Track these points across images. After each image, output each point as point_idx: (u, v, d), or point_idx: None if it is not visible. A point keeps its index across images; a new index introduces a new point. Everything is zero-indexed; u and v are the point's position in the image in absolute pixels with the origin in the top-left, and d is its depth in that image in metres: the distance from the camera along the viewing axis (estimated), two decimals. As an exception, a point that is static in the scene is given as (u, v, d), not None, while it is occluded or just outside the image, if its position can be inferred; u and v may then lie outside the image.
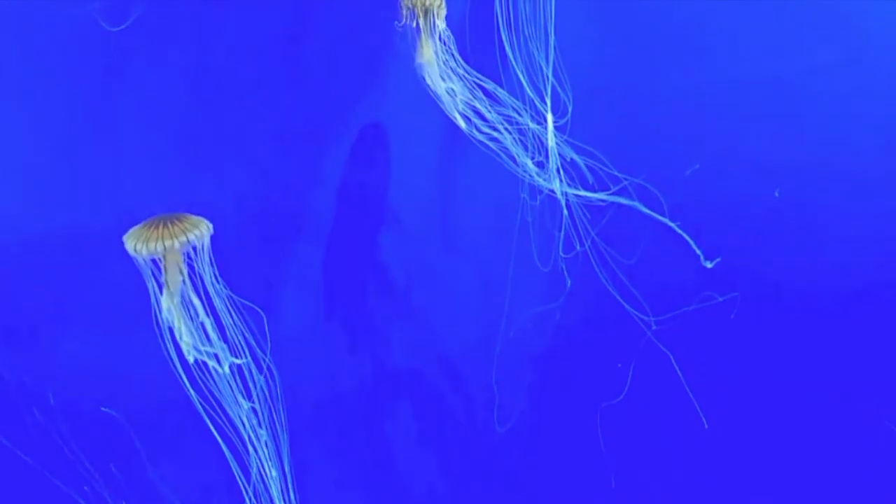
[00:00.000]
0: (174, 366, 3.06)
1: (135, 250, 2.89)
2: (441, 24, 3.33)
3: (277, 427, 3.16)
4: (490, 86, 3.37)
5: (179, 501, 3.55)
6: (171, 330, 2.98)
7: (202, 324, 2.98)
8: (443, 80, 3.34)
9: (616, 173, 3.43)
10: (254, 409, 3.05)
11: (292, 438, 3.26)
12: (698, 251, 3.45)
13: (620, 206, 3.44)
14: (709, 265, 3.46)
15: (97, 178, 3.49)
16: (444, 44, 3.36)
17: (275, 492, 3.14)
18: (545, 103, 3.37)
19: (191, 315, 3.01)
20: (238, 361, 3.02)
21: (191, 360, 2.97)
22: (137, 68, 3.50)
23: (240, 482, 3.17)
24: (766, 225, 3.62)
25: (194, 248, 2.96)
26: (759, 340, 3.62)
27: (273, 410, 3.15)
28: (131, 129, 3.51)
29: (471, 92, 3.36)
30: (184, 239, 2.90)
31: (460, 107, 3.35)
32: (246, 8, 3.50)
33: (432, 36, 3.33)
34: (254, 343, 3.11)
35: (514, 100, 3.38)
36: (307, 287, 3.64)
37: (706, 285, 3.53)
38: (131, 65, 3.50)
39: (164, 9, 3.47)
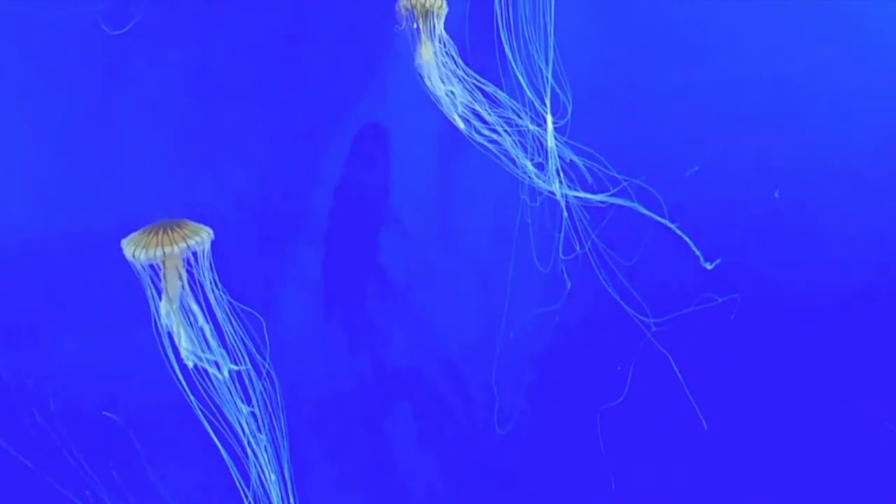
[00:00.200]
0: (174, 369, 3.06)
1: (133, 256, 2.89)
2: (439, 27, 3.33)
3: (277, 432, 3.15)
4: (490, 88, 3.37)
5: None
6: (170, 334, 2.97)
7: (201, 329, 2.98)
8: (442, 81, 3.33)
9: (616, 175, 3.42)
10: (253, 414, 3.05)
11: (292, 439, 3.26)
12: (698, 252, 3.45)
13: (620, 207, 3.43)
14: (709, 266, 3.46)
15: (97, 178, 3.50)
16: (444, 45, 3.35)
17: (274, 495, 3.14)
18: (545, 105, 3.36)
19: (190, 321, 3.01)
20: (237, 368, 3.02)
21: (190, 365, 2.97)
22: (137, 68, 3.50)
23: (239, 487, 3.17)
24: (766, 226, 3.62)
25: (194, 254, 2.96)
26: (758, 342, 3.62)
27: (273, 415, 3.15)
28: (131, 130, 3.52)
29: (470, 94, 3.36)
30: (183, 245, 2.89)
31: (460, 108, 3.34)
32: (246, 9, 3.50)
33: (432, 37, 3.33)
34: (253, 349, 3.11)
35: (514, 101, 3.37)
36: (307, 287, 3.64)
37: (706, 286, 3.53)
38: (131, 65, 3.50)
39: (164, 10, 3.46)
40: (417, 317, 3.67)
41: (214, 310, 3.06)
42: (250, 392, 3.11)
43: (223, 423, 3.10)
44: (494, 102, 3.37)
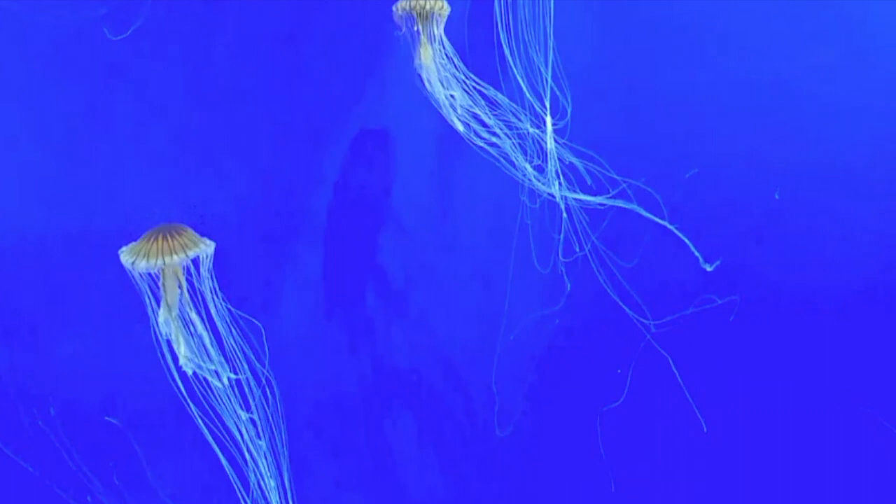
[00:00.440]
0: (173, 374, 3.06)
1: (133, 265, 2.88)
2: (440, 29, 3.32)
3: (277, 439, 3.16)
4: (490, 92, 3.37)
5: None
6: (168, 341, 2.98)
7: (200, 337, 2.98)
8: (442, 84, 3.33)
9: (615, 176, 3.42)
10: (252, 420, 3.05)
11: (292, 440, 3.26)
12: (697, 254, 3.45)
13: (620, 208, 3.43)
14: (708, 268, 3.45)
15: (98, 179, 3.50)
16: (443, 48, 3.35)
17: (274, 500, 3.15)
18: (544, 107, 3.36)
19: (189, 328, 3.01)
20: (235, 377, 3.02)
21: (189, 372, 2.97)
22: (137, 70, 3.50)
23: (239, 492, 3.18)
24: (766, 228, 3.62)
25: (194, 262, 2.96)
26: (758, 343, 3.62)
27: (272, 421, 3.15)
28: (132, 131, 3.52)
29: (470, 96, 3.35)
30: (183, 255, 2.89)
31: (459, 111, 3.34)
32: (246, 11, 3.49)
33: (431, 40, 3.32)
34: (252, 357, 3.11)
35: (514, 104, 3.37)
36: (307, 288, 3.64)
37: (705, 288, 3.53)
38: (131, 66, 3.50)
39: (165, 12, 3.46)
40: (417, 318, 3.68)
41: (214, 318, 3.06)
42: (249, 399, 3.11)
43: (223, 430, 3.10)
44: (494, 105, 3.37)
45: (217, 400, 3.03)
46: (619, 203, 3.43)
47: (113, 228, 3.45)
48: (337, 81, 3.59)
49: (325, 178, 3.61)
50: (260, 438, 3.06)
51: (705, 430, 3.55)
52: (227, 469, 3.11)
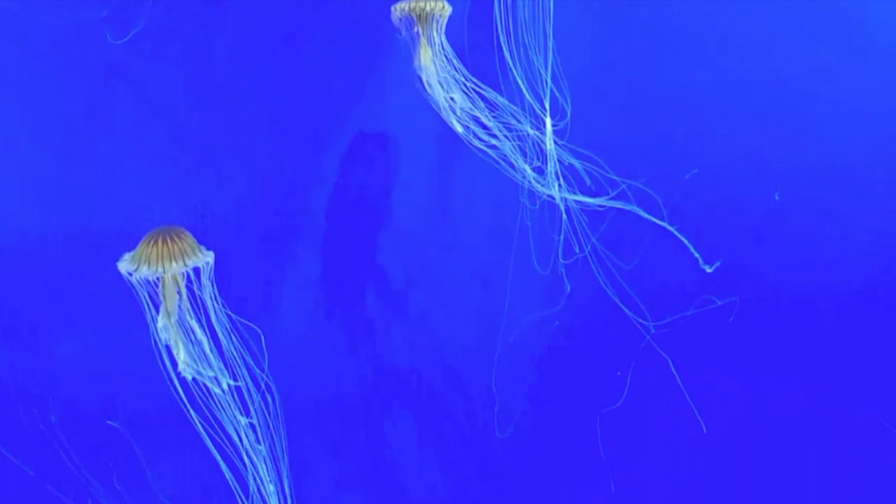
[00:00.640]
0: (172, 378, 3.06)
1: (135, 271, 2.88)
2: (440, 30, 3.32)
3: (276, 444, 3.16)
4: (490, 94, 3.37)
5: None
6: (168, 346, 2.98)
7: (200, 343, 2.98)
8: (441, 86, 3.33)
9: (615, 177, 3.42)
10: (252, 425, 3.05)
11: (293, 440, 3.27)
12: (697, 255, 3.45)
13: (620, 210, 3.43)
14: (708, 269, 3.45)
15: (98, 180, 3.51)
16: (443, 49, 3.35)
17: (273, 503, 3.16)
18: (544, 108, 3.36)
19: (188, 335, 3.01)
20: (235, 384, 3.02)
21: (189, 378, 2.97)
22: (137, 70, 3.50)
23: (238, 496, 3.18)
24: (765, 229, 3.62)
25: (194, 269, 2.96)
26: (757, 344, 3.62)
27: (271, 427, 3.15)
28: (132, 131, 3.52)
29: (469, 98, 3.35)
30: (182, 264, 2.89)
31: (459, 113, 3.34)
32: (246, 11, 3.49)
33: (430, 41, 3.32)
34: (252, 363, 3.12)
35: (513, 106, 3.37)
36: (307, 288, 3.64)
37: (705, 289, 3.53)
38: (131, 66, 3.50)
39: (165, 13, 3.46)
40: (417, 318, 3.68)
41: (213, 324, 3.06)
42: (249, 404, 3.11)
43: (223, 434, 3.10)
44: (494, 106, 3.37)
45: (217, 405, 3.03)
46: (619, 204, 3.43)
47: (113, 228, 3.46)
48: (337, 81, 3.59)
49: (325, 178, 3.61)
50: (259, 443, 3.06)
51: (705, 430, 3.55)
52: (226, 475, 3.11)
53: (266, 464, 3.09)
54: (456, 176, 3.60)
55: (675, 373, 3.50)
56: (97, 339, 3.51)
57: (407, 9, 3.30)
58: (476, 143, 3.34)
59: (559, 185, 3.38)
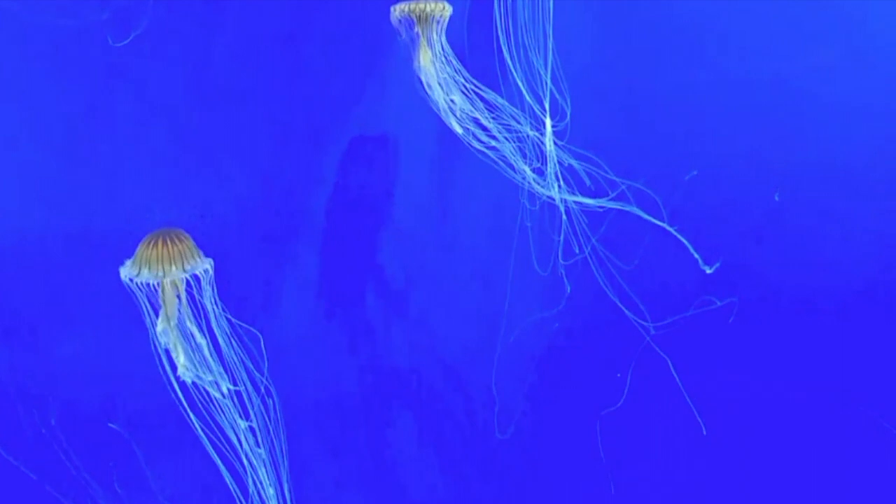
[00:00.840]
0: (173, 386, 3.07)
1: (136, 275, 2.88)
2: (440, 31, 3.31)
3: (276, 448, 3.16)
4: (490, 96, 3.36)
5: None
6: (167, 350, 2.98)
7: (199, 348, 2.98)
8: (441, 87, 3.32)
9: (615, 178, 3.42)
10: (252, 429, 3.05)
11: (293, 440, 3.27)
12: (697, 256, 3.45)
13: (619, 211, 3.43)
14: (708, 270, 3.45)
15: (98, 179, 3.51)
16: (443, 50, 3.35)
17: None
18: (543, 109, 3.36)
19: (188, 339, 3.01)
20: (234, 388, 3.02)
21: (188, 382, 2.97)
22: (138, 70, 3.50)
23: (237, 499, 3.19)
24: (765, 229, 3.61)
25: (196, 277, 2.96)
26: (757, 345, 3.62)
27: (270, 430, 3.15)
28: (132, 131, 3.52)
29: (469, 99, 3.35)
30: (181, 270, 2.89)
31: (459, 114, 3.34)
32: (246, 11, 3.49)
33: (430, 42, 3.32)
34: (251, 367, 3.12)
35: (513, 107, 3.37)
36: (307, 288, 3.64)
37: (705, 290, 3.53)
38: (131, 66, 3.50)
39: (165, 12, 3.46)
40: (418, 320, 3.68)
41: (213, 328, 3.06)
42: (249, 408, 3.11)
43: (222, 437, 3.11)
44: (493, 108, 3.36)
45: (217, 409, 3.04)
46: (619, 205, 3.43)
47: (113, 228, 3.46)
48: (337, 82, 3.59)
49: (325, 178, 3.61)
50: (259, 447, 3.06)
51: (704, 432, 3.55)
52: (226, 479, 3.11)
53: (266, 467, 3.09)
54: (456, 176, 3.60)
55: (674, 374, 3.50)
56: (97, 340, 3.51)
57: (407, 10, 3.29)
58: (475, 144, 3.34)
59: (559, 186, 3.37)
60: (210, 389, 2.96)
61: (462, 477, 3.70)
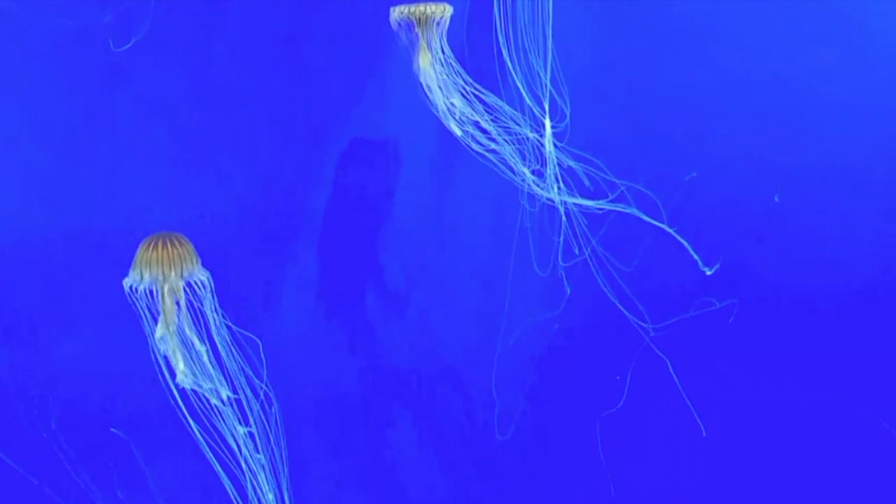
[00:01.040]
0: (172, 392, 3.07)
1: (140, 278, 2.88)
2: (441, 32, 3.31)
3: (276, 454, 3.17)
4: (490, 98, 3.36)
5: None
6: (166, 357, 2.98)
7: (199, 354, 2.98)
8: (440, 88, 3.32)
9: (614, 179, 3.42)
10: (251, 434, 3.06)
11: (293, 440, 3.27)
12: (697, 257, 3.45)
13: (619, 212, 3.43)
14: (708, 271, 3.45)
15: (98, 179, 3.51)
16: (443, 52, 3.34)
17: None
18: (543, 111, 3.35)
19: (187, 345, 3.02)
20: (233, 396, 3.02)
21: (188, 388, 2.97)
22: (138, 70, 3.50)
23: (236, 500, 3.19)
24: (765, 230, 3.61)
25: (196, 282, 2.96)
26: (757, 346, 3.62)
27: (271, 438, 3.16)
28: (132, 131, 3.53)
29: (469, 101, 3.35)
30: (180, 278, 2.89)
31: (458, 116, 3.33)
32: (246, 11, 3.49)
33: (430, 44, 3.32)
34: (251, 373, 3.12)
35: (512, 109, 3.37)
36: (307, 288, 3.65)
37: (704, 291, 3.53)
38: (131, 66, 3.50)
39: (166, 12, 3.46)
40: (418, 320, 3.68)
41: (213, 335, 3.06)
42: (248, 414, 3.11)
43: (221, 441, 3.11)
44: (493, 109, 3.36)
45: (216, 414, 3.04)
46: (618, 207, 3.43)
47: (113, 228, 3.47)
48: (337, 82, 3.59)
49: (325, 178, 3.61)
50: (258, 453, 3.06)
51: (704, 433, 3.55)
52: (225, 483, 3.12)
53: (265, 471, 3.09)
54: (456, 177, 3.60)
55: (674, 375, 3.50)
56: (97, 340, 3.51)
57: (406, 12, 3.29)
58: (475, 146, 3.34)
59: (559, 188, 3.37)
60: (209, 396, 2.96)
61: (462, 477, 3.71)
